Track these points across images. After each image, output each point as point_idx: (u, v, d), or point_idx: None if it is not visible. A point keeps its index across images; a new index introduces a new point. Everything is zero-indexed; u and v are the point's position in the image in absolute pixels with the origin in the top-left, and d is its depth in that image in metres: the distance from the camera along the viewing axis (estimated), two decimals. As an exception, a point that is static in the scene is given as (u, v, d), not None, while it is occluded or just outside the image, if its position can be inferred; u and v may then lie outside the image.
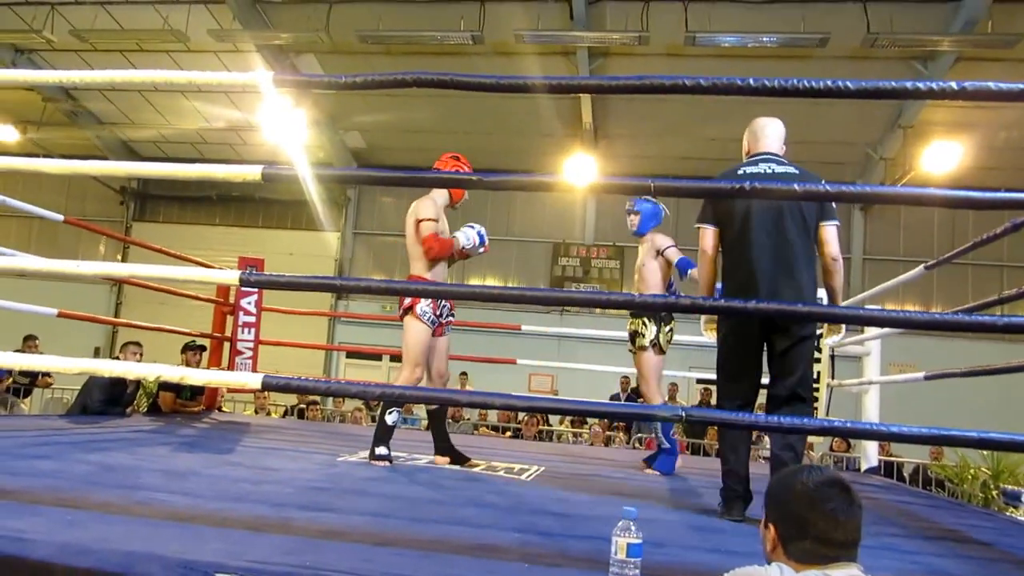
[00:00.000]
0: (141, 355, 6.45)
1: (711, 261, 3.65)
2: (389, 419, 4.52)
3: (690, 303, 2.76)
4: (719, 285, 3.71)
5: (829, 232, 3.53)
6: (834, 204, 3.54)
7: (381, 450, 4.50)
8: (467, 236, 4.74)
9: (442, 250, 4.60)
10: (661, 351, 5.24)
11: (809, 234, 3.50)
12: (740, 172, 3.50)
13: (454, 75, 2.73)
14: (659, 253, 5.20)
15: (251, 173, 2.71)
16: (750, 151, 3.69)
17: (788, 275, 3.43)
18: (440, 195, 4.78)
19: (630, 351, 5.38)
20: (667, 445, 5.29)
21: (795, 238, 3.45)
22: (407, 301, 4.64)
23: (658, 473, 5.21)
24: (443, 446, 4.84)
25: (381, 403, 4.58)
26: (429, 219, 4.62)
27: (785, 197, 3.17)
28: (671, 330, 5.28)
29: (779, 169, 3.49)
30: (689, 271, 4.87)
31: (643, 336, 5.20)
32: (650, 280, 5.22)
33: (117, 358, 5.97)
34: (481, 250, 4.83)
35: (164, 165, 2.70)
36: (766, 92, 2.53)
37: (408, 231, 4.70)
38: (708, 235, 3.59)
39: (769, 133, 3.67)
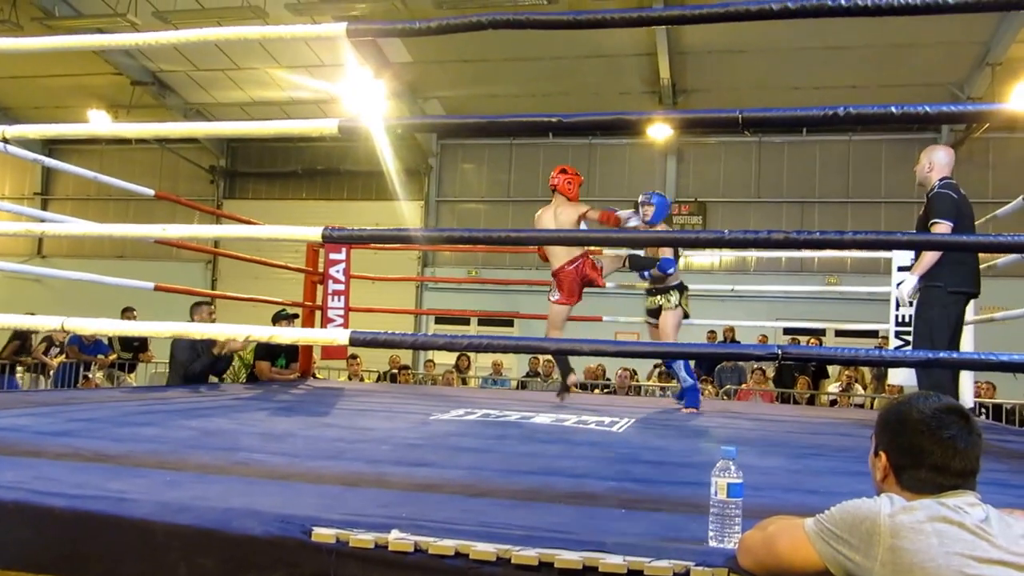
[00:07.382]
0: (212, 313, 6.52)
1: None
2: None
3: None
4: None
5: None
6: None
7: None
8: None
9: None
10: (685, 313, 5.83)
11: None
12: (962, 191, 4.52)
13: (530, 14, 2.65)
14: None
15: (327, 127, 2.70)
16: (940, 172, 4.57)
17: None
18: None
19: (650, 323, 6.00)
20: (690, 382, 5.71)
21: None
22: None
23: (693, 410, 5.61)
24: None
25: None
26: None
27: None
28: (686, 296, 5.86)
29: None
30: (668, 270, 5.61)
31: (669, 302, 5.75)
32: None
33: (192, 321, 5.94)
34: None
35: (245, 124, 2.72)
36: (858, 12, 2.40)
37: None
38: (947, 229, 4.32)
39: (950, 163, 4.63)
